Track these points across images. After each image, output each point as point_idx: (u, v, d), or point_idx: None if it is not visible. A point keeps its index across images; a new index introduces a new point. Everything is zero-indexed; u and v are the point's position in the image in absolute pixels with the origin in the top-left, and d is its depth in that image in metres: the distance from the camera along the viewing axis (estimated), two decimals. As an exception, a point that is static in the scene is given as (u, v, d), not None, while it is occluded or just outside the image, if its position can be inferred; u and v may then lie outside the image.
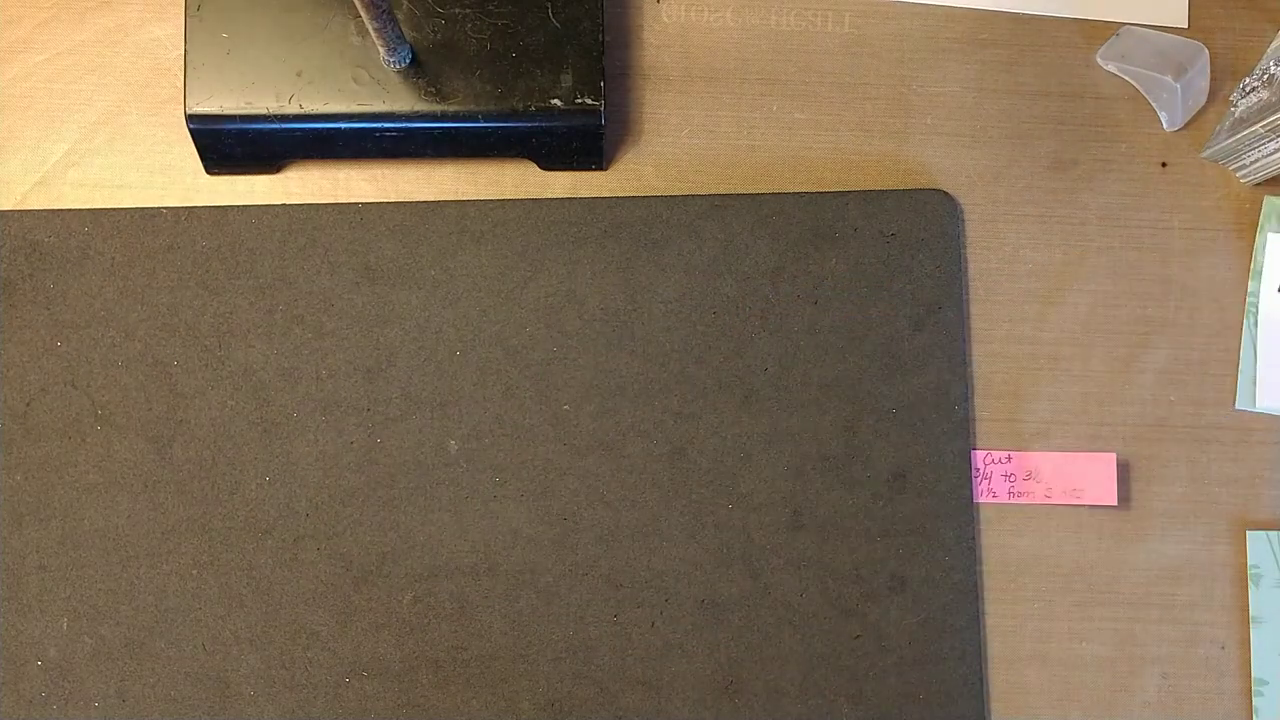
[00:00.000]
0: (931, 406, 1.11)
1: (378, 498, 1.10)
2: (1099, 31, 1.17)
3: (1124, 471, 1.13)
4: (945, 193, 1.14)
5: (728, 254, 1.12)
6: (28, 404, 1.10)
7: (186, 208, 1.12)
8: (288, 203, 1.14)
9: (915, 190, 1.13)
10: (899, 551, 1.10)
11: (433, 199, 1.14)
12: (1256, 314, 1.14)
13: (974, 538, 1.12)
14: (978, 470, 1.12)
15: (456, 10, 1.10)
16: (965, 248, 1.14)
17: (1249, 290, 1.14)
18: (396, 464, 1.10)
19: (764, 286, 1.12)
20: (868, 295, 1.12)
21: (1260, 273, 1.14)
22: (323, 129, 1.11)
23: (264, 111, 1.09)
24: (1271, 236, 1.14)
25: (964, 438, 1.12)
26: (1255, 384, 1.14)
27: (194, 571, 1.10)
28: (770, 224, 1.13)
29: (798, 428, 1.11)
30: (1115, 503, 1.12)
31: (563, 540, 1.10)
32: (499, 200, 1.13)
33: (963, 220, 1.14)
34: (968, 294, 1.14)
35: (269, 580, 1.10)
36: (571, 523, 1.10)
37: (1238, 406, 1.13)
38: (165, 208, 1.12)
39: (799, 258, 1.12)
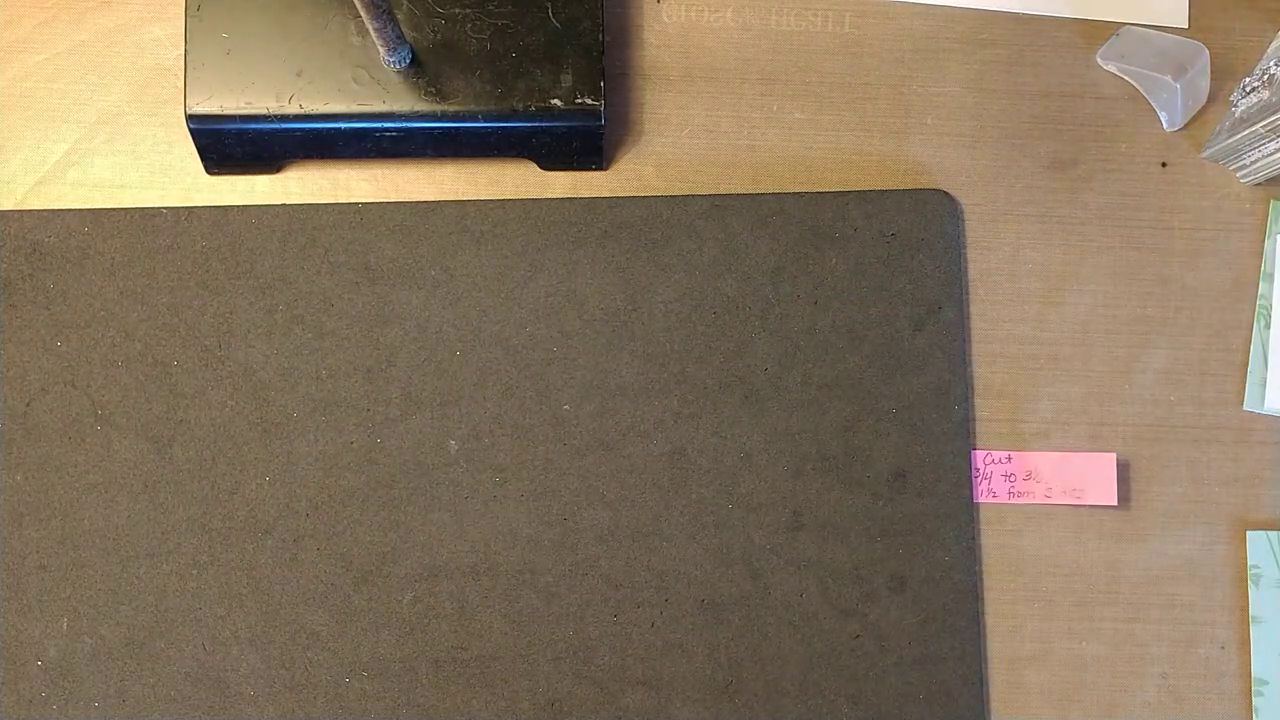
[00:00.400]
0: (931, 406, 1.11)
1: (378, 498, 1.10)
2: (1099, 31, 1.17)
3: (1124, 471, 1.13)
4: (945, 193, 1.14)
5: (728, 254, 1.12)
6: (28, 404, 1.10)
7: (186, 208, 1.12)
8: (288, 203, 1.14)
9: (915, 190, 1.13)
10: (899, 551, 1.10)
11: (433, 199, 1.14)
12: (1268, 316, 1.14)
13: (974, 538, 1.12)
14: (978, 470, 1.12)
15: (456, 10, 1.10)
16: (965, 248, 1.14)
17: (1259, 293, 1.14)
18: (396, 464, 1.10)
19: (764, 286, 1.12)
20: (868, 295, 1.12)
21: (1271, 275, 1.14)
22: (323, 129, 1.11)
23: (264, 111, 1.09)
24: (1281, 240, 1.15)
25: (964, 438, 1.12)
26: (1265, 386, 1.13)
27: (194, 571, 1.10)
28: (770, 224, 1.13)
29: (798, 428, 1.11)
30: (1115, 503, 1.12)
31: (563, 540, 1.10)
32: (499, 200, 1.13)
33: (963, 220, 1.14)
34: (968, 294, 1.14)
35: (269, 580, 1.10)
36: (571, 523, 1.10)
37: (1245, 408, 1.13)
38: (165, 208, 1.12)
39: (799, 258, 1.12)
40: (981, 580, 1.12)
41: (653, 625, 1.10)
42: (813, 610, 1.10)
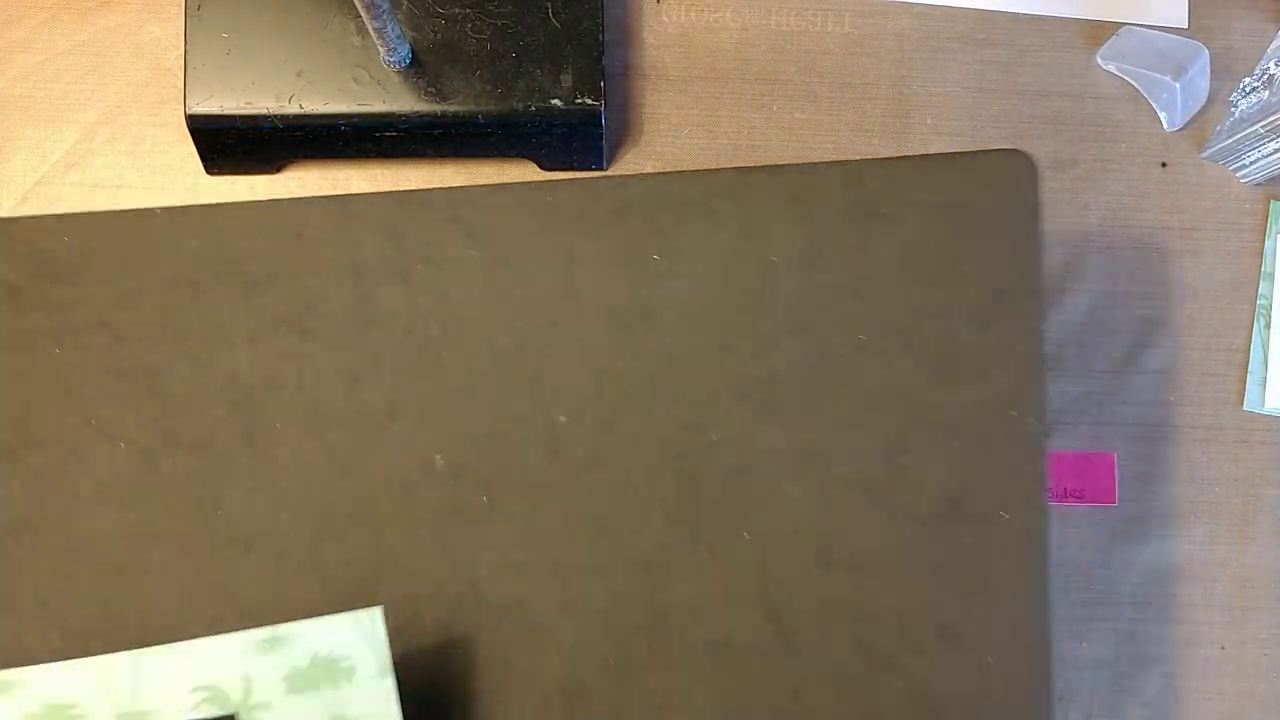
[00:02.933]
0: (997, 420, 0.98)
1: (359, 515, 1.08)
2: (1099, 31, 1.17)
3: (1124, 471, 1.14)
4: (1022, 153, 0.97)
5: (749, 238, 1.01)
6: (24, 412, 1.09)
7: (179, 207, 1.11)
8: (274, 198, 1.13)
9: (983, 152, 0.98)
10: (952, 595, 0.96)
11: (428, 195, 1.14)
12: (1268, 316, 1.15)
13: (1045, 579, 0.96)
14: (984, 472, 1.12)
15: (456, 10, 1.10)
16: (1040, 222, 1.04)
17: (1259, 293, 1.15)
18: (380, 481, 1.08)
19: (792, 276, 1.03)
20: (921, 284, 0.99)
21: (1271, 275, 1.15)
22: (323, 129, 1.10)
23: (264, 111, 1.09)
24: (1281, 239, 1.16)
25: (1037, 459, 0.96)
26: (1265, 386, 1.15)
27: (178, 590, 1.08)
28: (801, 200, 1.01)
29: (830, 446, 1.01)
30: (1115, 503, 1.13)
31: (554, 572, 1.05)
32: (491, 186, 1.11)
33: (1039, 190, 0.99)
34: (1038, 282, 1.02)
35: (251, 600, 1.07)
36: (564, 552, 1.05)
37: (1245, 408, 1.15)
38: (158, 208, 1.11)
39: (835, 241, 1.00)
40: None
41: (653, 671, 1.04)
42: (844, 663, 0.97)
